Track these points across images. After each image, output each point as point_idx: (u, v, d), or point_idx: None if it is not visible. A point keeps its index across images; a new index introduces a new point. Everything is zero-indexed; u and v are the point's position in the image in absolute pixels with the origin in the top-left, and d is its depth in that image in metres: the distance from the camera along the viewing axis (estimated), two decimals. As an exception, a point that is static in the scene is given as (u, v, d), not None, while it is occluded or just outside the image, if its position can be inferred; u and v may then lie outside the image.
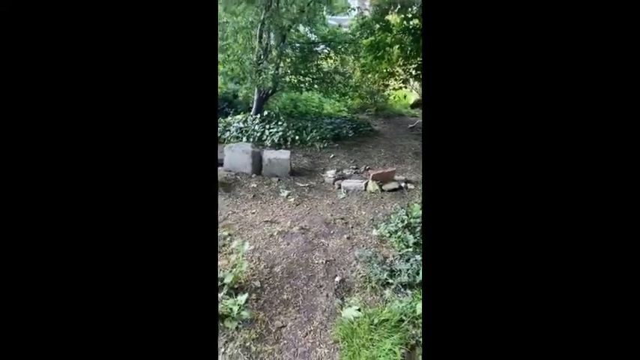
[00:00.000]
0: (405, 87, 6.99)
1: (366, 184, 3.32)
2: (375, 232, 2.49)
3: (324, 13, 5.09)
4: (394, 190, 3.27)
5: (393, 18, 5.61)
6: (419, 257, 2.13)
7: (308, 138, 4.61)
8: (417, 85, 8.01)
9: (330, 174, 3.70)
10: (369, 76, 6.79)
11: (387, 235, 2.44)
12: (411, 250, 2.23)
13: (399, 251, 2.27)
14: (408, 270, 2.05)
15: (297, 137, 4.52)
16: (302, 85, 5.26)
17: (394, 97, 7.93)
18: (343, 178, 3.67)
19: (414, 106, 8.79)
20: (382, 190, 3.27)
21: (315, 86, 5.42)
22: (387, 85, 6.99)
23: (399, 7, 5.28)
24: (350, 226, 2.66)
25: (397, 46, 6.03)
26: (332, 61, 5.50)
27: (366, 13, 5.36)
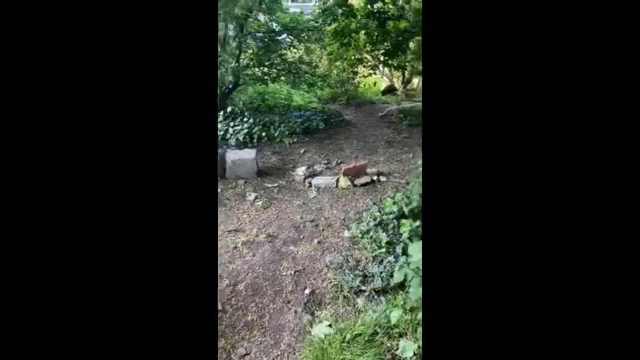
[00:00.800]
0: (375, 73, 6.82)
1: (338, 180, 3.16)
2: (346, 234, 2.34)
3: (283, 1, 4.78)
4: (366, 184, 3.13)
5: (356, 2, 5.38)
6: (392, 258, 2.00)
7: (276, 134, 4.37)
8: (386, 70, 7.87)
9: (301, 171, 3.50)
10: (337, 63, 6.56)
11: (360, 235, 2.30)
12: (383, 250, 2.10)
13: (372, 252, 2.13)
14: (381, 273, 1.92)
15: (264, 134, 4.26)
16: (267, 78, 4.97)
17: (365, 85, 7.77)
18: (314, 174, 3.48)
19: (385, 92, 8.66)
20: (354, 186, 3.11)
21: (282, 78, 5.15)
22: (356, 73, 6.80)
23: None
24: (321, 228, 2.50)
25: (363, 32, 5.83)
26: (296, 50, 5.22)
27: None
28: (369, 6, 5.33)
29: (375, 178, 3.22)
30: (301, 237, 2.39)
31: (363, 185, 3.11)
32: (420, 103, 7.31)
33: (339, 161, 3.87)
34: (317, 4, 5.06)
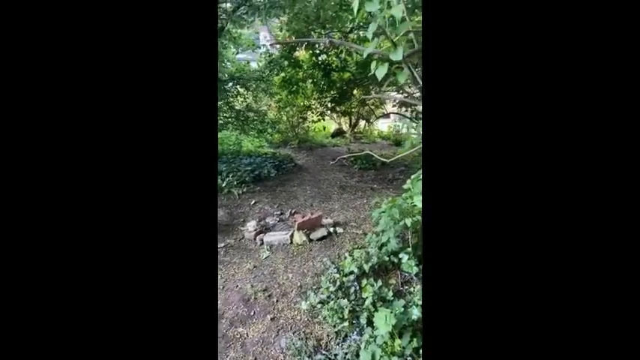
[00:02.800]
0: (323, 119, 6.97)
1: (292, 236, 2.88)
2: (304, 306, 2.03)
3: (230, 50, 4.71)
4: (323, 238, 2.89)
5: (301, 54, 5.55)
6: (356, 336, 1.73)
7: (224, 184, 4.02)
8: (334, 116, 8.13)
9: (251, 226, 3.16)
10: (287, 109, 6.59)
11: (319, 306, 2.00)
12: (346, 324, 1.83)
13: (334, 327, 1.85)
14: (346, 355, 1.63)
15: (210, 186, 3.89)
16: (213, 126, 4.71)
17: (314, 129, 7.89)
18: (266, 229, 3.17)
19: (334, 135, 8.89)
20: (310, 240, 2.86)
21: (229, 125, 4.92)
22: (306, 118, 6.88)
23: (305, 43, 5.23)
24: (274, 299, 2.16)
25: (309, 81, 5.98)
26: (243, 98, 5.09)
27: (274, 50, 5.16)
28: (314, 58, 5.53)
29: (331, 230, 3.01)
30: (252, 313, 2.02)
31: (319, 240, 2.87)
32: (369, 146, 7.61)
33: (293, 211, 3.62)
34: (263, 55, 5.09)
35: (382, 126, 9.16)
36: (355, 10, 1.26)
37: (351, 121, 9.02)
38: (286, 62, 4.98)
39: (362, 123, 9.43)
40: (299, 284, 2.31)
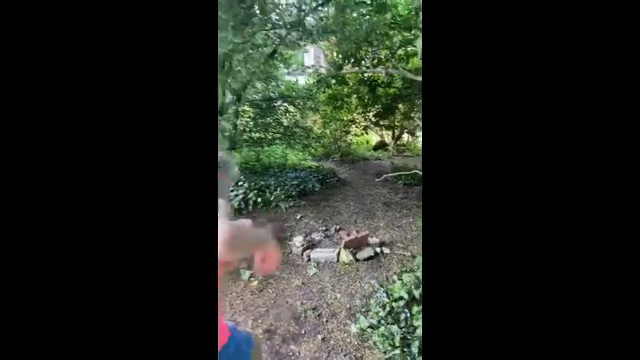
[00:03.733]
0: (366, 133, 6.98)
1: (339, 254, 2.92)
2: (354, 329, 2.04)
3: (280, 70, 4.97)
4: (370, 258, 2.89)
5: (348, 71, 5.66)
6: (410, 365, 1.70)
7: (272, 198, 4.20)
8: (377, 129, 8.10)
9: (298, 242, 3.26)
10: (331, 125, 6.72)
11: (369, 330, 2.00)
12: (398, 351, 1.80)
13: (385, 354, 1.83)
14: (399, 386, 1.61)
15: (259, 199, 4.08)
16: (263, 141, 4.95)
17: (357, 142, 7.92)
18: (313, 245, 3.24)
19: (376, 148, 8.84)
20: (357, 260, 2.87)
21: (277, 141, 5.15)
22: (349, 132, 6.95)
23: (352, 60, 5.33)
24: (324, 319, 2.19)
25: (354, 96, 6.06)
26: (291, 115, 5.32)
27: (322, 70, 5.33)
28: (359, 75, 5.60)
29: (378, 250, 2.99)
30: (302, 331, 2.07)
31: (366, 260, 2.87)
32: (412, 160, 7.44)
33: (338, 227, 3.66)
34: (312, 74, 5.29)
35: (420, 138, 8.91)
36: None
37: (394, 134, 8.91)
38: (333, 80, 5.11)
39: (404, 135, 9.26)
40: (348, 305, 2.32)
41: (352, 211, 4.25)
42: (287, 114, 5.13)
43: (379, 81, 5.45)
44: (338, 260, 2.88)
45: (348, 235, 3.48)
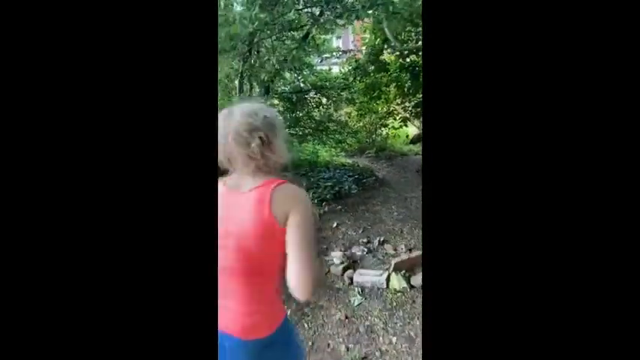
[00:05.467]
0: (406, 125, 6.25)
1: (388, 279, 2.36)
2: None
3: (312, 58, 4.40)
4: (428, 285, 2.30)
5: (387, 56, 4.97)
6: None
7: (304, 202, 3.71)
8: (416, 122, 7.31)
9: (337, 258, 2.74)
10: (366, 117, 6.07)
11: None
12: None
13: None
14: None
15: (291, 204, 3.61)
16: (293, 138, 4.46)
17: (393, 135, 7.21)
18: (354, 262, 2.71)
19: (414, 141, 8.04)
20: (411, 287, 2.30)
21: (309, 137, 4.63)
22: (386, 125, 6.26)
23: (392, 43, 4.63)
24: (379, 377, 1.67)
25: (394, 85, 5.37)
26: (324, 108, 4.75)
27: (359, 55, 4.69)
28: (400, 60, 4.89)
29: (436, 274, 2.39)
30: (352, 394, 1.57)
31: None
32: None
33: (382, 239, 3.10)
34: (347, 60, 4.66)
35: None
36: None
37: (433, 125, 8.06)
38: (372, 67, 4.45)
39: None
40: (405, 352, 1.77)
41: (396, 217, 3.65)
42: (320, 107, 4.57)
43: (425, 66, 4.72)
44: (388, 286, 2.32)
45: (395, 249, 2.91)
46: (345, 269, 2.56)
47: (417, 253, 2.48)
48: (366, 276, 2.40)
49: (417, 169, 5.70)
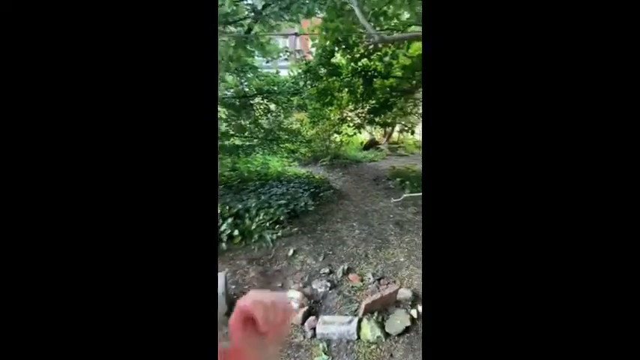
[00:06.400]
0: (360, 132, 5.99)
1: (359, 326, 1.92)
2: None
3: (255, 59, 3.83)
4: (406, 330, 1.91)
5: (338, 59, 4.61)
6: None
7: (253, 227, 3.13)
8: (369, 128, 7.15)
9: (295, 298, 2.23)
10: (319, 124, 5.67)
11: None
12: None
13: None
14: None
15: (236, 231, 2.99)
16: (239, 150, 3.83)
17: (346, 142, 6.94)
18: (316, 302, 2.23)
19: (367, 147, 7.90)
20: (387, 335, 1.88)
21: (256, 148, 4.04)
22: (340, 132, 5.93)
23: (343, 46, 4.29)
24: None
25: (346, 90, 5.04)
26: (275, 116, 4.20)
27: (309, 56, 4.25)
28: (352, 64, 4.57)
29: (413, 313, 2.02)
30: None
31: (401, 334, 1.89)
32: (409, 160, 6.58)
33: (346, 267, 2.67)
34: (297, 63, 4.18)
35: (417, 135, 8.07)
36: None
37: (385, 131, 8.00)
38: (323, 70, 4.04)
39: (396, 134, 8.39)
40: None
41: (358, 237, 3.27)
42: (268, 114, 4.01)
43: (378, 70, 4.45)
44: (359, 336, 1.88)
45: (362, 279, 2.50)
46: (305, 316, 2.06)
47: (390, 288, 2.08)
48: (332, 325, 1.92)
49: (374, 177, 5.47)
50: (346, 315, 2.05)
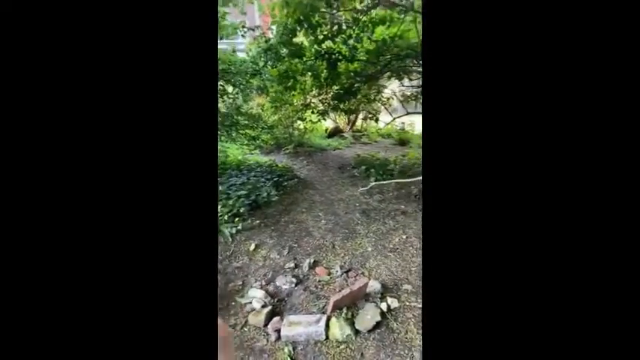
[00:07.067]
0: (325, 119, 5.80)
1: (327, 326, 1.77)
2: None
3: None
4: (377, 326, 1.80)
5: (300, 40, 4.32)
6: None
7: (210, 221, 2.82)
8: (333, 115, 6.98)
9: (258, 299, 2.03)
10: (281, 110, 5.37)
11: None
12: None
13: None
14: None
15: (190, 227, 2.67)
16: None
17: (311, 129, 6.72)
18: (280, 301, 2.05)
19: (331, 135, 7.76)
20: (357, 332, 1.76)
21: (212, 134, 3.67)
22: (303, 119, 5.69)
23: (305, 26, 4.01)
24: None
25: (310, 74, 4.79)
26: (232, 99, 3.82)
27: (269, 33, 3.90)
28: (316, 46, 4.31)
29: (383, 306, 1.92)
30: None
31: (371, 330, 1.77)
32: (373, 147, 6.54)
33: (312, 260, 2.51)
34: (256, 41, 3.82)
35: (380, 123, 8.11)
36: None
37: (349, 119, 7.91)
38: (285, 50, 3.74)
39: (359, 121, 8.34)
40: None
41: (324, 227, 3.12)
42: (225, 96, 3.63)
43: (344, 53, 4.25)
44: (327, 336, 1.73)
45: (329, 272, 2.36)
46: (269, 317, 1.87)
47: (360, 283, 1.96)
48: (298, 326, 1.75)
49: (339, 165, 5.35)
50: (313, 313, 1.90)
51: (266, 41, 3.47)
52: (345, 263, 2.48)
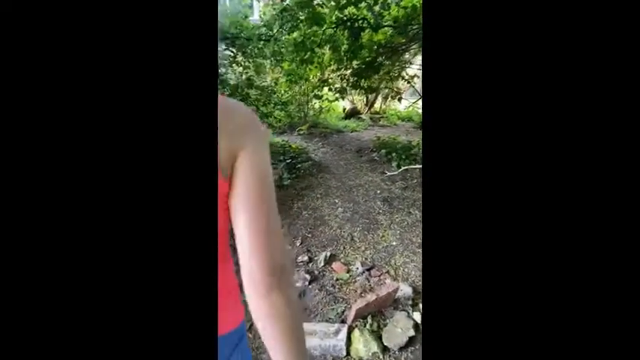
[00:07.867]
0: (343, 98, 5.34)
1: (349, 340, 1.45)
2: None
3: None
4: (410, 343, 1.47)
5: (320, 2, 3.82)
6: None
7: (216, 204, 2.52)
8: (353, 92, 6.47)
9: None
10: (296, 86, 4.94)
11: None
12: None
13: None
14: None
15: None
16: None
17: (327, 108, 6.28)
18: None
19: (348, 116, 7.29)
20: (384, 349, 1.44)
21: (221, 109, 3.32)
22: (320, 97, 5.24)
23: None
24: None
25: (329, 46, 4.31)
26: (242, 68, 3.41)
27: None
28: (337, 12, 3.81)
29: (417, 317, 1.58)
30: None
31: (403, 349, 1.44)
32: (393, 130, 6.06)
33: (328, 255, 2.19)
34: (270, 3, 3.35)
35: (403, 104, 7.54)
36: None
37: (367, 98, 7.37)
38: (302, 15, 3.27)
39: (378, 102, 7.80)
40: None
41: (342, 216, 2.78)
42: (234, 66, 3.23)
43: (369, 21, 3.74)
44: (348, 353, 1.41)
45: (349, 270, 2.03)
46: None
47: (388, 290, 1.61)
48: (312, 337, 1.44)
49: (357, 148, 4.94)
50: (331, 320, 1.58)
51: (281, 1, 3.02)
52: (366, 259, 2.15)
